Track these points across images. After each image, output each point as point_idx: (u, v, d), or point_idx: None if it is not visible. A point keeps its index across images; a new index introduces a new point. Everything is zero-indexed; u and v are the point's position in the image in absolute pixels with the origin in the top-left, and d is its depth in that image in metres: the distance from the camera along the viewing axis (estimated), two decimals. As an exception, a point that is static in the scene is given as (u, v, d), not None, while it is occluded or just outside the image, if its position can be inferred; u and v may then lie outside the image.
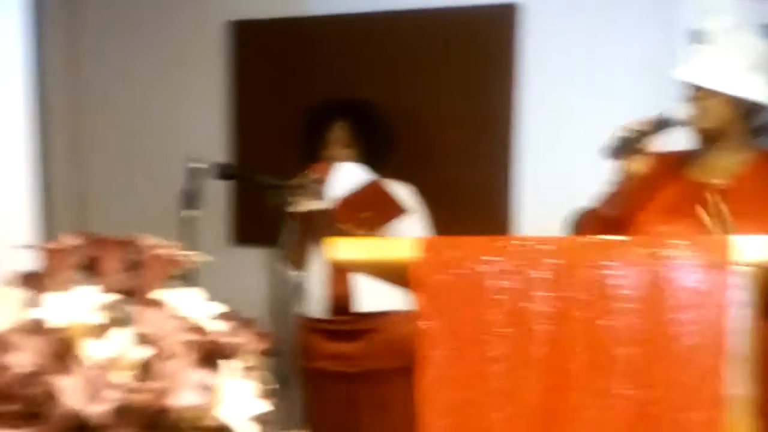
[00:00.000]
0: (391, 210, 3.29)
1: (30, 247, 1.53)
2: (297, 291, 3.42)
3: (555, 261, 1.55)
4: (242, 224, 4.30)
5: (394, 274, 1.69)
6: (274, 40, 4.19)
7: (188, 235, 3.08)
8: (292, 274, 3.37)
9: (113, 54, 4.49)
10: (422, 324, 1.54)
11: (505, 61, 3.88)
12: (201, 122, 4.38)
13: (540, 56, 3.88)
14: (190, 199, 3.20)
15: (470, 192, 3.92)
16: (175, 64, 4.40)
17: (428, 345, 1.54)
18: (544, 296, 1.52)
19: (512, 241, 1.62)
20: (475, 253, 1.58)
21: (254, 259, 3.92)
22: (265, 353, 1.55)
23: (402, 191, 3.46)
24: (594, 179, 2.62)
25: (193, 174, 3.22)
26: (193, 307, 1.45)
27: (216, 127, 4.35)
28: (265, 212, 3.22)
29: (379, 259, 1.64)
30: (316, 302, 3.44)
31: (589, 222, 2.54)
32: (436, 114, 3.96)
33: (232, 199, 4.27)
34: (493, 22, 3.91)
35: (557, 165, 3.82)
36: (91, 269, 1.47)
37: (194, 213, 3.19)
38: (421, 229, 3.38)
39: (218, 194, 4.10)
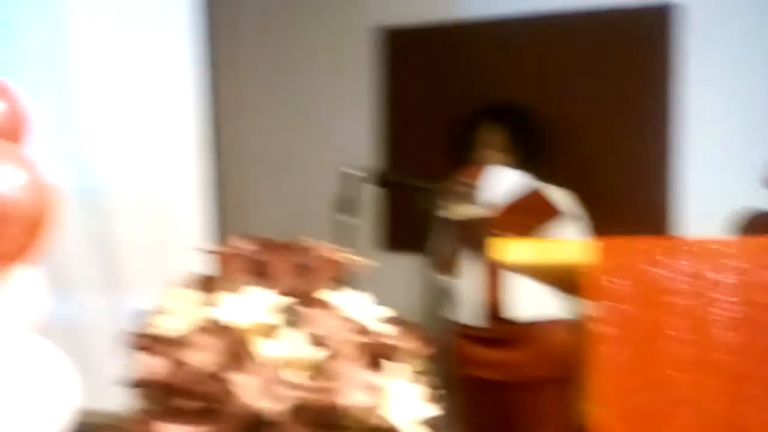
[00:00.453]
0: (550, 216, 3.24)
1: (204, 250, 1.58)
2: (448, 297, 3.41)
3: (736, 263, 1.49)
4: (393, 230, 4.32)
5: (562, 278, 1.65)
6: (424, 45, 4.21)
7: (342, 242, 3.11)
8: (443, 280, 3.36)
9: (265, 61, 4.60)
10: (597, 329, 1.50)
11: (661, 62, 3.78)
12: (351, 127, 4.43)
13: (699, 57, 3.75)
14: (345, 205, 3.23)
15: (629, 196, 3.82)
16: (327, 70, 4.47)
17: (604, 351, 1.50)
18: (727, 300, 1.46)
19: (688, 243, 1.56)
20: (651, 254, 1.53)
21: (405, 266, 3.93)
22: (428, 358, 1.55)
23: (559, 196, 3.41)
24: (756, 180, 2.52)
25: (348, 180, 3.25)
26: (360, 309, 1.46)
27: (365, 132, 4.40)
28: (416, 218, 3.22)
29: (548, 263, 1.61)
30: (468, 309, 3.42)
31: (764, 223, 2.43)
32: (591, 117, 3.89)
33: (383, 205, 4.30)
34: (648, 23, 3.81)
35: (718, 166, 3.69)
36: (261, 272, 1.50)
37: (350, 219, 3.22)
38: (580, 234, 3.31)
39: (369, 200, 4.14)
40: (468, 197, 3.24)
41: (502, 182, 3.34)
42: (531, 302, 3.23)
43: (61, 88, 2.57)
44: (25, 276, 1.28)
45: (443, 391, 1.49)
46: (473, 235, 3.22)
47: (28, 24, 2.88)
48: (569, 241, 2.98)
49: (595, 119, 3.93)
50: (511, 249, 1.64)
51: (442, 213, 3.17)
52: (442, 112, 3.93)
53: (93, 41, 2.80)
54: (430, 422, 1.39)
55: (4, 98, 1.27)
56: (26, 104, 1.29)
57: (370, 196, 4.19)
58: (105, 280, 2.81)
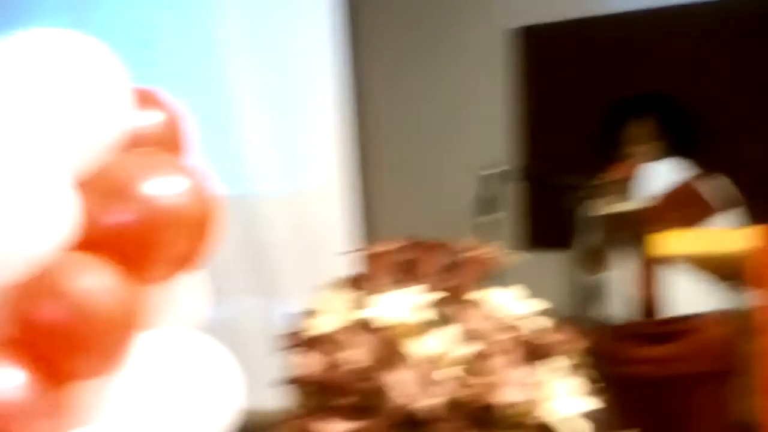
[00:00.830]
0: (707, 206, 3.14)
1: (353, 252, 1.61)
2: (596, 294, 3.35)
3: None
4: (535, 228, 4.27)
5: (724, 267, 1.60)
6: (561, 42, 4.15)
7: (484, 241, 3.09)
8: (591, 277, 3.30)
9: (403, 65, 4.63)
10: (762, 318, 1.44)
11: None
12: (488, 126, 4.40)
13: None
14: (486, 205, 3.22)
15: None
16: (464, 71, 4.46)
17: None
18: None
19: None
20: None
21: (548, 263, 3.87)
22: (583, 352, 1.52)
23: (715, 184, 3.29)
24: None
25: (488, 180, 3.24)
26: (513, 305, 1.45)
27: (502, 131, 4.36)
28: (559, 215, 3.17)
29: (710, 252, 1.56)
30: (620, 305, 3.35)
31: None
32: (741, 104, 3.75)
33: (524, 203, 4.26)
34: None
35: None
36: (410, 271, 1.52)
37: (491, 218, 3.20)
38: (738, 222, 3.20)
39: (509, 199, 4.10)
40: (621, 192, 3.18)
41: (655, 175, 3.25)
42: (687, 296, 3.13)
43: (207, 99, 2.66)
44: (191, 280, 1.34)
45: (599, 386, 1.47)
46: (626, 230, 3.15)
47: (172, 41, 3.00)
48: (730, 230, 2.88)
49: (745, 107, 3.79)
50: (671, 241, 1.60)
51: (592, 209, 3.11)
52: (581, 107, 3.86)
53: (236, 52, 2.89)
54: (589, 416, 1.37)
55: (162, 109, 1.33)
56: (183, 114, 1.35)
57: (510, 195, 4.16)
58: (257, 284, 2.89)
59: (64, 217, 1.21)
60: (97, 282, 1.20)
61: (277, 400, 1.50)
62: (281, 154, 2.84)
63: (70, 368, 1.22)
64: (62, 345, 1.19)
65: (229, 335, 1.40)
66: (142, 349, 1.26)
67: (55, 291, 1.19)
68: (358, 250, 1.56)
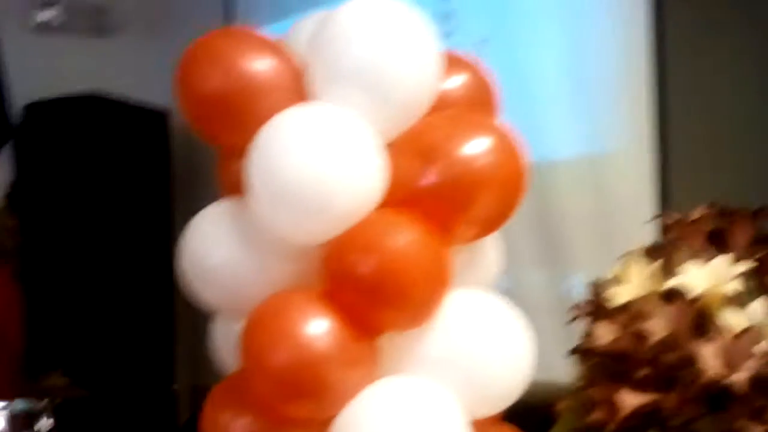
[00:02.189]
0: None
1: (655, 220, 1.55)
2: None
3: None
4: None
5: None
6: None
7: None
8: None
9: (701, 26, 4.42)
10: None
11: None
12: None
13: None
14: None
15: None
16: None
17: None
18: None
19: None
20: None
21: None
22: None
23: None
24: None
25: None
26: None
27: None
28: None
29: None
30: None
31: None
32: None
33: None
34: None
35: None
36: (717, 241, 1.45)
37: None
38: None
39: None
40: None
41: None
42: None
43: (506, 66, 2.65)
44: (490, 243, 1.35)
45: None
46: None
47: (468, 12, 3.03)
48: None
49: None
50: None
51: None
52: None
53: (534, 18, 2.87)
54: None
55: (471, 71, 1.35)
56: (491, 76, 1.36)
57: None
58: (545, 254, 2.86)
59: (376, 177, 1.26)
60: (407, 239, 1.24)
61: (561, 371, 1.48)
62: (578, 118, 2.78)
63: (379, 321, 1.27)
64: (373, 298, 1.25)
65: (516, 305, 1.39)
66: (448, 307, 1.28)
67: (368, 247, 1.24)
68: (660, 218, 1.50)
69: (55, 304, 3.07)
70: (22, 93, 3.08)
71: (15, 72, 3.05)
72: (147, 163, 3.21)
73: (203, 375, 3.58)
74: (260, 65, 1.29)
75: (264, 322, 1.28)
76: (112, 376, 2.91)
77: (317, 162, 1.24)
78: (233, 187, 1.35)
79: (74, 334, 3.03)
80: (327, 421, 1.28)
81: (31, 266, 3.07)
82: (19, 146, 3.07)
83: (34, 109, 3.15)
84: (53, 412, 2.44)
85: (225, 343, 1.42)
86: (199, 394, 3.52)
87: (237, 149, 1.29)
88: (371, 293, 1.24)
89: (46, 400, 2.43)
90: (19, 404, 2.29)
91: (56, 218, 3.09)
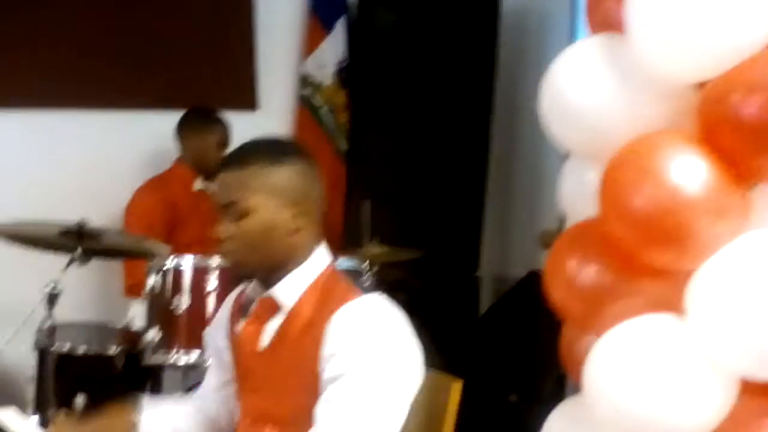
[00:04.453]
0: None
1: None
2: None
3: None
4: None
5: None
6: None
7: None
8: None
9: None
10: None
11: None
12: None
13: None
14: None
15: None
16: None
17: None
18: None
19: None
20: None
21: None
22: None
23: None
24: None
25: None
26: None
27: None
28: None
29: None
30: None
31: None
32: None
33: None
34: None
35: None
36: None
37: None
38: None
39: None
40: None
41: None
42: None
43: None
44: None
45: None
46: None
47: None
48: None
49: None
50: None
51: None
52: None
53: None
54: None
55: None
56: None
57: None
58: None
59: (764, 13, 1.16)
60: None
61: None
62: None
63: (759, 169, 1.18)
64: (755, 143, 1.15)
65: None
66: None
67: (754, 86, 1.14)
68: None
69: (375, 181, 3.14)
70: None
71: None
72: (474, 45, 3.19)
73: (507, 264, 3.58)
74: None
75: (630, 163, 1.22)
76: (418, 258, 2.94)
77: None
78: (604, 23, 1.29)
79: (388, 212, 3.08)
80: (685, 274, 1.21)
81: (357, 143, 3.17)
82: (353, 22, 3.14)
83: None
84: (373, 274, 2.53)
85: (577, 187, 1.38)
86: (501, 283, 3.50)
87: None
88: (754, 137, 1.15)
89: (367, 262, 2.53)
90: (344, 263, 2.38)
91: (384, 95, 3.15)
